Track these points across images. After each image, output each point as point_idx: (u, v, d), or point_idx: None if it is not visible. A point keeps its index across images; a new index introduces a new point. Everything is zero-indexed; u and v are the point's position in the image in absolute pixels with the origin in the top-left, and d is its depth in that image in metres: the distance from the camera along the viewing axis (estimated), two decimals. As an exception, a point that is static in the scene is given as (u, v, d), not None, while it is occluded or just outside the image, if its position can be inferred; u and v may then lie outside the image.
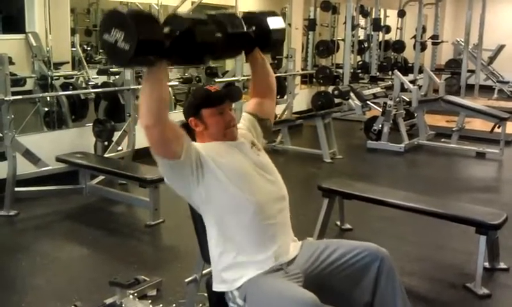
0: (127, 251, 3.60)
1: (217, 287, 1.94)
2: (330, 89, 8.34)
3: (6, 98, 4.04)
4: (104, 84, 5.98)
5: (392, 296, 1.92)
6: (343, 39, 9.37)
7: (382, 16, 11.42)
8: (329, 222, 3.67)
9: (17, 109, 4.40)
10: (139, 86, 4.71)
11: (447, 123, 7.84)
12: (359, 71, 9.99)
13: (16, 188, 4.21)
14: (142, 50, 1.59)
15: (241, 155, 2.00)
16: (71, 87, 5.92)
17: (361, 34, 11.15)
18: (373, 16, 10.74)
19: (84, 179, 4.59)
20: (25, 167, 4.35)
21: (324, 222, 3.58)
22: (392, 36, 12.16)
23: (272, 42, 2.12)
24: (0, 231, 3.99)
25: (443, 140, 7.03)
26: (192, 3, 6.57)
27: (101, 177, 4.73)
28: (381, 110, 6.84)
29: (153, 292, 2.89)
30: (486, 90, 11.81)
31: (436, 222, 3.41)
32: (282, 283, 1.84)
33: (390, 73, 10.71)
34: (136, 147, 5.14)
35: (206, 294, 2.10)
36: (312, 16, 8.88)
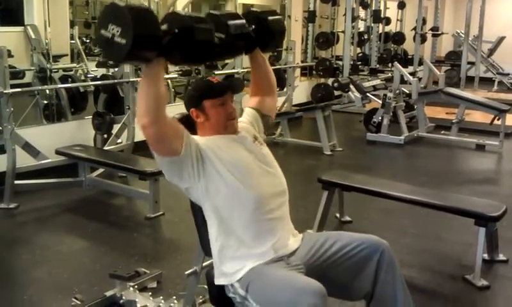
0: (127, 244, 3.60)
1: (218, 280, 1.94)
2: (330, 81, 8.33)
3: (5, 91, 4.04)
4: (103, 77, 5.98)
5: (392, 287, 1.92)
6: (343, 31, 9.34)
7: (382, 7, 11.40)
8: (329, 215, 3.68)
9: (16, 101, 4.39)
10: (139, 79, 4.71)
11: (446, 115, 7.84)
12: (359, 63, 9.98)
13: (16, 181, 4.21)
14: (138, 45, 1.58)
15: (243, 148, 2.00)
16: (70, 79, 5.92)
17: (361, 26, 11.13)
18: (373, 8, 10.71)
19: (83, 172, 4.59)
20: (24, 160, 4.36)
21: (323, 215, 3.59)
22: (392, 27, 12.14)
23: (272, 42, 2.15)
24: (0, 224, 4.00)
25: (442, 132, 7.03)
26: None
27: (101, 170, 4.74)
28: (380, 102, 6.84)
29: (154, 284, 2.90)
30: (486, 82, 11.80)
31: (436, 214, 3.42)
32: (285, 272, 1.84)
33: (389, 65, 10.70)
34: (136, 140, 5.13)
35: (206, 286, 2.11)
36: (311, 8, 8.84)
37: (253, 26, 2.04)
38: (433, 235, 3.80)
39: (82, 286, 2.91)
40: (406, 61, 11.18)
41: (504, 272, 3.25)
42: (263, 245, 1.89)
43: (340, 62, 9.04)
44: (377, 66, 10.40)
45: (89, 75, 6.22)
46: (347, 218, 3.94)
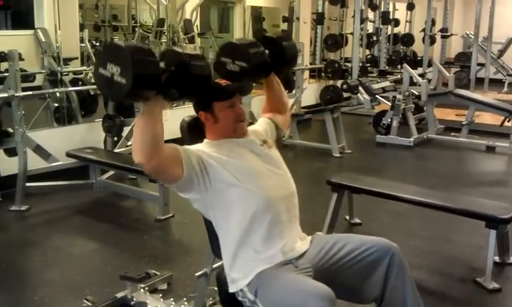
0: (137, 246, 3.62)
1: (231, 288, 1.93)
2: (339, 83, 8.31)
3: (16, 94, 4.07)
4: (113, 80, 5.99)
5: (402, 291, 1.92)
6: (351, 33, 9.32)
7: (391, 9, 11.36)
8: (339, 217, 3.67)
9: (27, 104, 4.42)
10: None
11: (456, 117, 7.80)
12: (368, 65, 9.96)
13: (27, 184, 4.24)
14: (138, 85, 1.58)
15: (250, 153, 2.01)
16: (80, 82, 5.96)
17: (370, 27, 11.11)
18: (382, 10, 10.69)
19: (94, 174, 4.61)
20: (36, 163, 4.39)
21: (333, 217, 3.59)
22: (401, 29, 12.10)
23: (286, 67, 2.27)
24: (11, 226, 4.04)
25: (452, 134, 7.00)
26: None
27: (111, 172, 4.76)
28: (390, 104, 6.82)
29: (164, 286, 2.91)
30: (495, 83, 11.72)
31: (446, 217, 3.41)
32: (294, 276, 1.84)
33: (399, 66, 10.64)
34: (146, 142, 5.15)
35: (216, 288, 2.12)
36: (320, 10, 8.83)
37: (267, 51, 2.09)
38: (443, 237, 3.78)
39: (93, 287, 2.93)
40: (415, 62, 11.14)
41: (515, 275, 3.24)
42: (272, 248, 1.90)
43: (349, 64, 9.02)
44: (386, 67, 10.37)
45: (99, 78, 6.24)
46: (357, 220, 3.93)
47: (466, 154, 6.54)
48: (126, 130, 5.23)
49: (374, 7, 10.69)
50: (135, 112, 5.20)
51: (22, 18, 6.18)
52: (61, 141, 4.91)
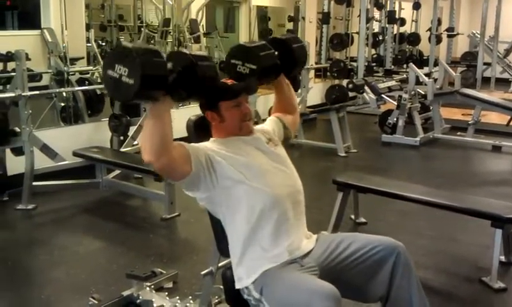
0: (143, 244, 3.64)
1: (238, 285, 1.94)
2: (344, 82, 8.30)
3: (23, 94, 4.10)
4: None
5: (407, 290, 1.91)
6: (357, 32, 9.30)
7: (397, 8, 11.32)
8: (344, 216, 3.67)
9: (34, 104, 4.45)
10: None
11: (462, 116, 7.78)
12: (373, 64, 9.92)
13: (34, 183, 4.27)
14: (146, 85, 1.60)
15: (256, 150, 2.02)
16: (87, 82, 5.99)
17: (375, 27, 11.07)
18: (388, 9, 10.65)
19: (100, 173, 4.63)
20: (42, 162, 4.41)
21: (338, 216, 3.59)
22: (407, 28, 12.06)
23: (296, 68, 2.28)
24: (18, 225, 4.06)
25: (458, 133, 6.98)
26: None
27: (117, 171, 4.78)
28: (396, 103, 6.80)
29: (170, 284, 2.93)
30: (502, 83, 11.67)
31: (452, 216, 3.40)
32: (299, 275, 1.84)
33: (405, 66, 10.62)
34: (151, 141, 5.17)
35: (222, 286, 2.12)
36: (325, 10, 8.81)
37: (277, 53, 2.11)
38: (449, 236, 3.77)
39: (99, 286, 2.94)
40: (421, 62, 11.10)
41: (521, 275, 3.22)
42: (278, 246, 1.90)
43: (355, 64, 9.00)
44: (392, 67, 10.33)
45: (105, 78, 6.27)
46: (362, 219, 3.93)
47: (472, 153, 6.52)
48: (132, 129, 5.25)
49: (380, 6, 10.65)
50: (141, 111, 5.22)
51: (29, 18, 6.21)
52: (68, 140, 4.93)
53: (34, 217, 4.14)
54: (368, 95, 7.32)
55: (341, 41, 8.85)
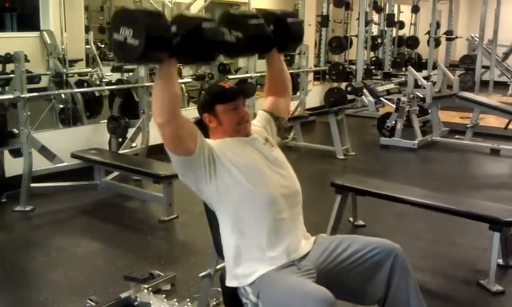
0: (141, 246, 3.63)
1: (229, 282, 1.95)
2: (343, 85, 8.32)
3: (22, 95, 4.09)
4: (118, 81, 6.03)
5: (405, 292, 1.92)
6: (356, 36, 9.31)
7: (396, 11, 11.34)
8: (342, 219, 3.67)
9: (33, 106, 4.45)
10: (153, 83, 4.75)
11: (461, 120, 7.79)
12: (372, 67, 9.93)
13: (32, 184, 4.27)
14: (151, 46, 1.63)
15: (254, 151, 2.02)
16: (85, 84, 5.99)
17: (374, 30, 11.09)
18: (387, 12, 10.67)
19: (98, 175, 4.63)
20: (40, 164, 4.41)
21: (337, 219, 3.59)
22: (406, 31, 12.08)
23: (290, 44, 2.19)
24: (16, 227, 4.06)
25: (457, 136, 6.98)
26: (205, 0, 6.59)
27: (115, 173, 4.77)
28: (394, 106, 6.81)
29: (168, 287, 2.92)
30: (500, 86, 11.70)
31: (450, 219, 3.41)
32: (295, 279, 1.84)
33: (403, 69, 10.62)
34: (150, 143, 5.18)
35: (220, 289, 2.12)
36: (324, 13, 8.84)
37: (272, 27, 2.06)
38: (447, 239, 3.78)
39: (97, 288, 2.94)
40: (419, 65, 11.09)
41: (519, 278, 3.23)
42: (276, 248, 1.90)
43: (354, 67, 9.00)
44: (391, 70, 10.34)
45: (104, 80, 6.28)
46: (361, 222, 3.93)
47: (470, 157, 6.53)
48: (131, 131, 5.25)
49: (378, 9, 10.68)
50: (139, 113, 5.22)
51: (28, 20, 6.21)
52: (66, 142, 4.93)
53: (32, 219, 4.13)
54: (367, 98, 7.33)
55: (340, 44, 8.88)
